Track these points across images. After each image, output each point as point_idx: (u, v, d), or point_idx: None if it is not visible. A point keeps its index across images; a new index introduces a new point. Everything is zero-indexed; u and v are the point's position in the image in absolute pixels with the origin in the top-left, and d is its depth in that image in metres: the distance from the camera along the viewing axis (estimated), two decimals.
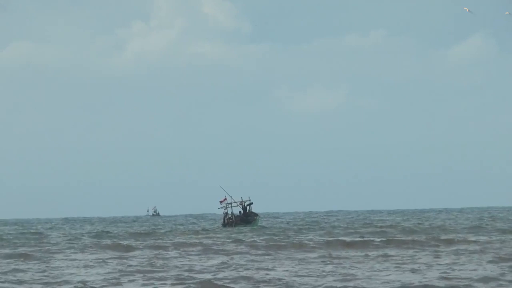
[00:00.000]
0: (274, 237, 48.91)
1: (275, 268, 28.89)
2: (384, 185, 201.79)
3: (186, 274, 27.04)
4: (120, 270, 28.85)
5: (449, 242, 40.36)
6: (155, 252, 38.78)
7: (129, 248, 41.52)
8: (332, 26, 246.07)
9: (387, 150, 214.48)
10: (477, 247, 36.21)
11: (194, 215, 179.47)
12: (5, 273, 29.04)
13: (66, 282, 25.67)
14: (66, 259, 35.19)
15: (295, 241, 43.55)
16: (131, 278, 26.53)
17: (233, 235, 52.76)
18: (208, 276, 26.36)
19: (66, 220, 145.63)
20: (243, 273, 26.91)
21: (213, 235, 55.24)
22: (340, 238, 45.62)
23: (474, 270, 26.54)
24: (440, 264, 28.77)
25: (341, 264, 29.87)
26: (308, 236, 51.20)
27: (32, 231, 76.47)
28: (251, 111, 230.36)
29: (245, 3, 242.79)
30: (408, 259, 31.17)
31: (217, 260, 32.95)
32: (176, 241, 47.45)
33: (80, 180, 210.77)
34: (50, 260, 34.81)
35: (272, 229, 65.04)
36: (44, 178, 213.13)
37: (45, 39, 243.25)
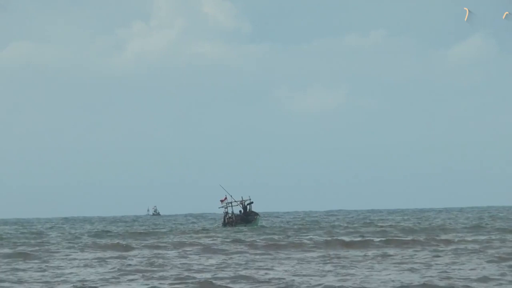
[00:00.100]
0: (274, 237, 48.89)
1: (274, 267, 28.88)
2: (384, 185, 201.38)
3: (185, 273, 27.05)
4: (120, 270, 28.85)
5: (449, 241, 40.37)
6: (155, 251, 38.80)
7: (128, 248, 41.53)
8: (332, 26, 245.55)
9: (387, 150, 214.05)
10: (476, 247, 36.21)
11: (194, 214, 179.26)
12: (5, 272, 29.05)
13: (66, 282, 25.68)
14: (66, 259, 35.19)
15: (295, 241, 43.55)
16: (131, 277, 26.54)
17: (232, 235, 52.77)
18: (208, 275, 26.36)
19: (66, 220, 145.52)
20: (243, 273, 26.91)
21: (213, 234, 55.22)
22: (340, 238, 45.61)
23: (474, 269, 26.55)
24: (439, 264, 28.78)
25: (341, 263, 29.87)
26: (308, 235, 51.18)
27: (32, 230, 76.45)
28: (251, 111, 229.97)
29: (245, 3, 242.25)
30: (408, 259, 31.18)
31: (216, 259, 32.95)
32: (176, 240, 47.44)
33: (80, 180, 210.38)
34: (50, 260, 34.81)
35: (272, 228, 65.02)
36: (44, 178, 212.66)
37: (45, 39, 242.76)
